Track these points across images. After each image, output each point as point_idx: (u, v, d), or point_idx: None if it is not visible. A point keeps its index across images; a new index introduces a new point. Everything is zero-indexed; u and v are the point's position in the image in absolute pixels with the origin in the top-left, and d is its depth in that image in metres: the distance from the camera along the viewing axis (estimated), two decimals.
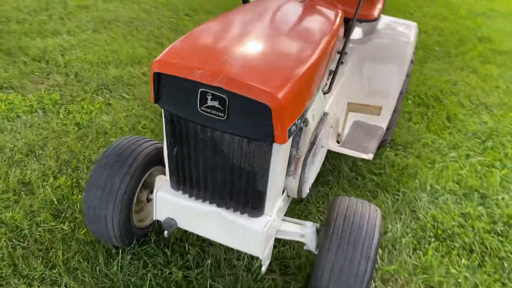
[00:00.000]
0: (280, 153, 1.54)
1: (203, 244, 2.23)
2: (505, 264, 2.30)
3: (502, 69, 4.67)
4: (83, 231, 2.24)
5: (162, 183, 1.85)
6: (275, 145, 1.51)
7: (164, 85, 1.49)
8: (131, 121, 3.18)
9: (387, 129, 2.83)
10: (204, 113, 1.46)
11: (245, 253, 2.18)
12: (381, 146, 3.00)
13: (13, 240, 2.17)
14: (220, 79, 1.37)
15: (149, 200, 2.17)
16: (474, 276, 2.22)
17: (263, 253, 1.75)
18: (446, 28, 5.68)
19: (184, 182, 1.75)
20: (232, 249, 2.20)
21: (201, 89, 1.41)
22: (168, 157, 1.73)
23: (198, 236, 2.25)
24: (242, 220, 1.72)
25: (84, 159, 2.75)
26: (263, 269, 1.88)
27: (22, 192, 2.46)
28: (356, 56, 2.68)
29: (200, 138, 1.57)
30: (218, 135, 1.53)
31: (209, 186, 1.70)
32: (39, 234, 2.22)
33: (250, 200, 1.67)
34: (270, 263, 2.14)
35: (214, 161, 1.60)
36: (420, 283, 2.15)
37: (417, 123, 3.51)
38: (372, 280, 1.88)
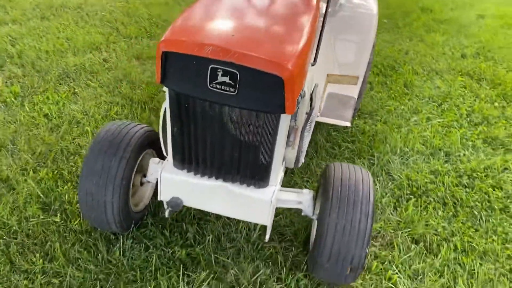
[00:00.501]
0: (284, 124, 1.61)
1: (200, 222, 2.27)
2: (475, 212, 2.54)
3: (446, 36, 4.99)
4: (77, 221, 2.21)
5: (163, 165, 1.87)
6: (282, 116, 1.58)
7: (172, 64, 1.50)
8: (102, 108, 3.11)
9: (357, 98, 2.98)
10: (214, 89, 1.49)
11: (242, 226, 2.25)
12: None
13: (4, 237, 2.10)
14: (231, 54, 1.41)
15: (142, 183, 2.18)
16: (451, 225, 2.43)
17: (270, 221, 1.83)
18: (392, 1, 5.94)
19: (189, 160, 1.78)
20: (230, 223, 2.27)
21: (212, 66, 1.45)
22: (172, 137, 1.75)
23: (194, 215, 2.30)
24: (249, 192, 1.79)
25: (61, 150, 2.68)
26: (267, 237, 1.97)
27: (2, 189, 2.37)
28: (326, 30, 2.78)
29: (208, 115, 1.60)
30: (227, 110, 1.57)
31: (216, 162, 1.74)
32: (30, 229, 2.16)
33: (256, 172, 1.74)
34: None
35: (222, 137, 1.65)
36: (406, 236, 2.33)
37: (379, 92, 3.70)
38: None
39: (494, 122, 3.43)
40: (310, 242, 2.16)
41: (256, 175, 1.75)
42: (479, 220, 2.49)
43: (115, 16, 4.65)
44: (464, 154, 3.02)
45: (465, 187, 2.73)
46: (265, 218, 1.82)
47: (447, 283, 2.11)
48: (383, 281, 2.08)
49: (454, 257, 2.25)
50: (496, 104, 3.69)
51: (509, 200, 2.66)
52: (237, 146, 1.67)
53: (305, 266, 2.09)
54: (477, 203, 2.61)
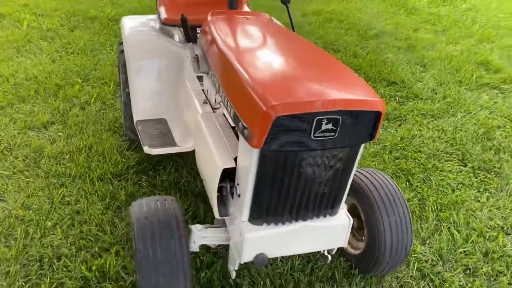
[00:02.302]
0: (362, 149, 1.78)
1: (242, 271, 2.24)
2: (421, 176, 3.12)
3: (312, 26, 5.65)
4: None
5: (240, 227, 1.80)
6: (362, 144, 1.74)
7: (277, 127, 1.50)
8: (42, 197, 2.63)
9: None
10: (316, 138, 1.56)
11: (278, 258, 2.31)
12: None
13: None
14: (339, 103, 1.50)
15: None
16: (415, 192, 2.95)
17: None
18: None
19: (274, 213, 1.78)
20: None
21: (318, 118, 1.51)
22: (256, 196, 1.72)
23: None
24: (328, 222, 1.89)
25: (39, 260, 2.22)
26: (330, 258, 2.10)
27: None
28: None
29: (304, 163, 1.65)
30: (320, 153, 1.65)
31: (302, 205, 1.79)
32: None
33: (334, 201, 1.86)
34: (304, 257, 2.35)
35: (313, 179, 1.71)
36: None
37: None
38: None
39: None
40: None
41: (334, 204, 1.86)
42: (427, 181, 3.08)
43: None
44: (381, 133, 3.61)
45: (400, 158, 3.31)
46: (344, 240, 1.96)
47: (447, 238, 2.59)
48: (412, 254, 2.44)
49: (436, 215, 2.76)
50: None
51: (431, 159, 3.33)
52: (324, 184, 1.76)
53: (356, 270, 2.28)
54: (416, 168, 3.20)
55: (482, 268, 2.40)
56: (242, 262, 1.86)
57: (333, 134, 1.58)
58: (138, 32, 2.94)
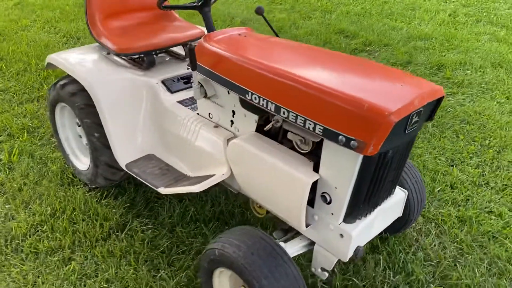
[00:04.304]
0: None
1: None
2: None
3: None
4: None
5: (344, 230, 1.93)
6: None
7: (391, 132, 1.66)
8: None
9: None
10: (408, 132, 1.79)
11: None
12: None
13: None
14: (426, 97, 1.75)
15: None
16: None
17: None
18: None
19: (365, 209, 1.97)
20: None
21: (412, 113, 1.73)
22: (353, 198, 1.87)
23: None
24: (392, 200, 2.16)
25: None
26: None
27: None
28: None
29: (395, 156, 1.86)
30: (405, 143, 1.90)
31: (387, 193, 2.03)
32: None
33: (398, 181, 2.13)
34: None
35: (395, 168, 1.95)
36: None
37: None
38: None
39: None
40: None
41: (397, 184, 2.14)
42: None
43: None
44: None
45: None
46: (401, 211, 2.27)
47: None
48: None
49: None
50: None
51: None
52: (399, 169, 2.01)
53: (387, 233, 2.63)
54: None
55: (457, 197, 3.01)
56: (346, 260, 2.01)
57: (417, 125, 1.83)
58: (94, 68, 2.64)
